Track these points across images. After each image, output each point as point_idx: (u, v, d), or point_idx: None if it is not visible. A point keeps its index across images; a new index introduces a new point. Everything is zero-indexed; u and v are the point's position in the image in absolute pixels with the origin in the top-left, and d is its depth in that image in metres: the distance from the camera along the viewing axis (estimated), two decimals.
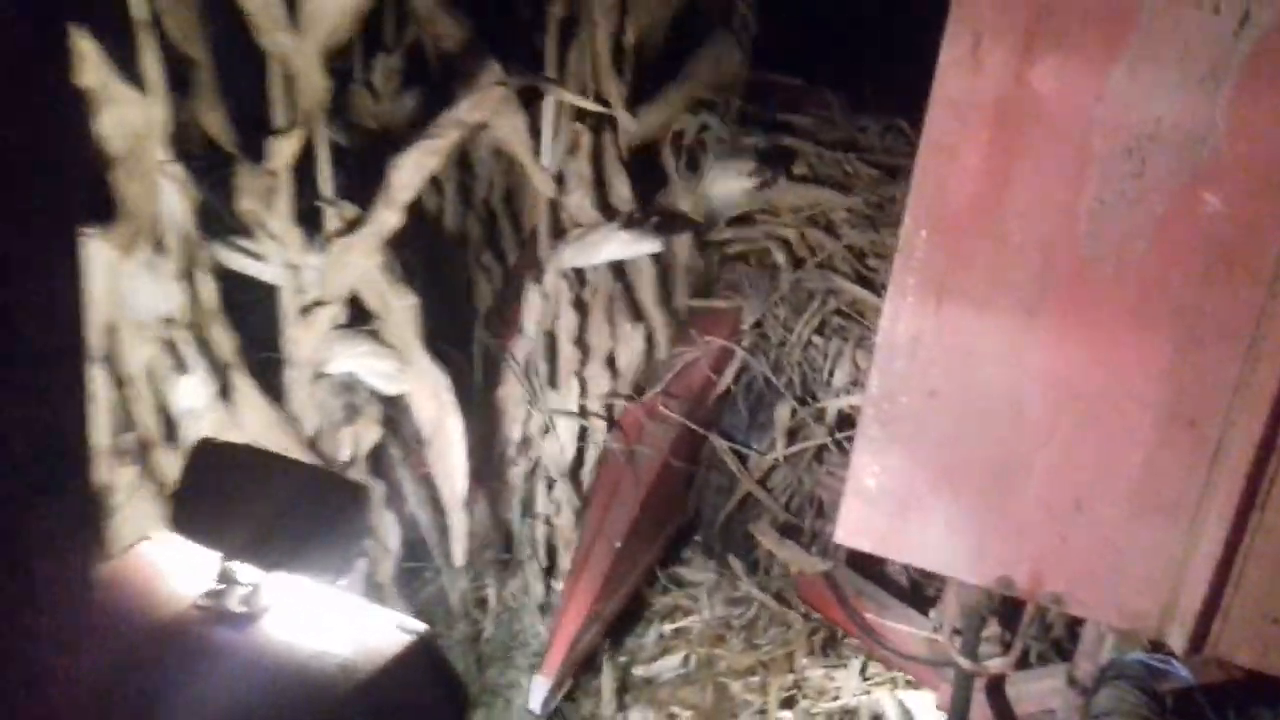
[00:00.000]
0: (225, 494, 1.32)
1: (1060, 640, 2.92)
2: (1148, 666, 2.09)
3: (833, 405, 3.48)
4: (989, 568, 2.03)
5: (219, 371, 2.31)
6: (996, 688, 2.62)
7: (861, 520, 2.13)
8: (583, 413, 3.45)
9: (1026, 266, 1.93)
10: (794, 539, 3.49)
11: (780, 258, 3.77)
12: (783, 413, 3.51)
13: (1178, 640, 1.93)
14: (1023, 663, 2.74)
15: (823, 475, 3.46)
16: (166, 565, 1.34)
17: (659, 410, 3.53)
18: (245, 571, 1.28)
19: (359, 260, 2.43)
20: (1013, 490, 1.99)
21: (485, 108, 2.55)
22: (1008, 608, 2.37)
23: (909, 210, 1.99)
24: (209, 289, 2.26)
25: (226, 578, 1.28)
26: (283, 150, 2.27)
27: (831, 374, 3.57)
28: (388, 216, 2.43)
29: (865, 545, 2.15)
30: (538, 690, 2.95)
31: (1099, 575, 1.97)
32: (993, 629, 2.54)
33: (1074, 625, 2.71)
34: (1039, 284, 1.92)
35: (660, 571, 3.67)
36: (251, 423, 2.34)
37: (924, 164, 1.97)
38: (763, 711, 3.16)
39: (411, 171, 2.43)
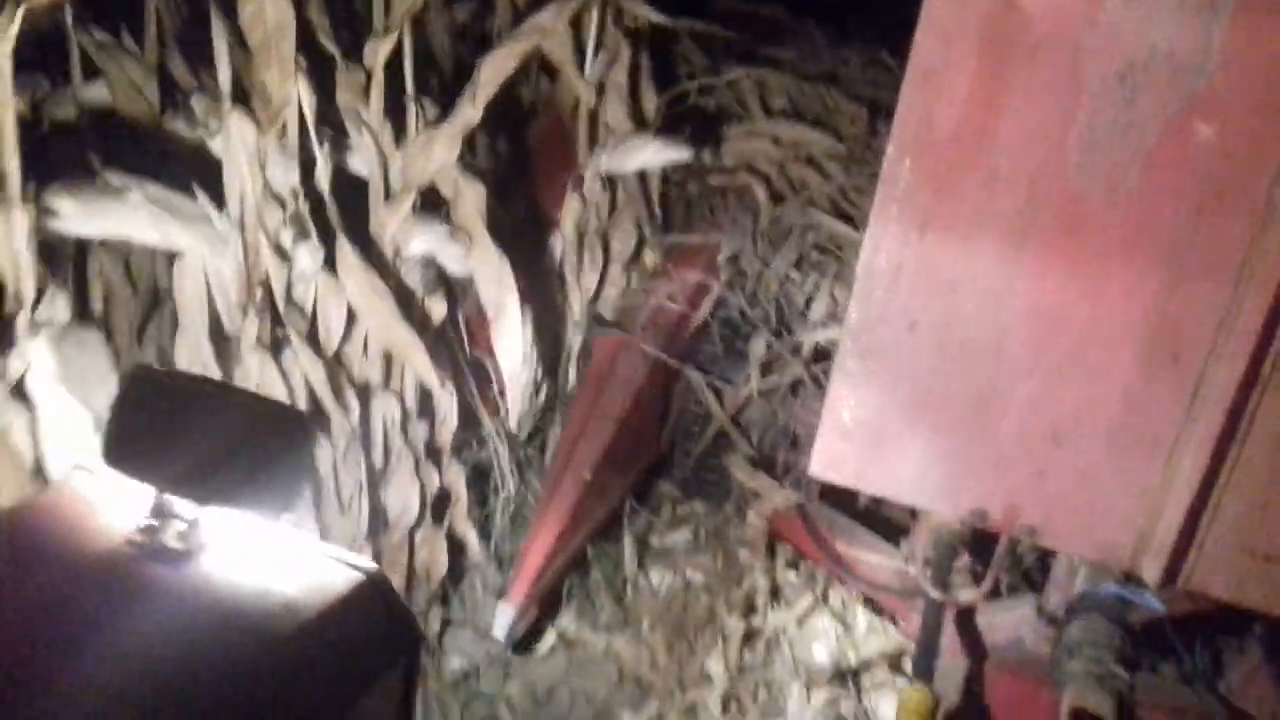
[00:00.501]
0: (161, 424, 1.23)
1: (1030, 571, 2.95)
2: (1120, 598, 2.11)
3: (809, 339, 3.46)
4: (964, 500, 2.03)
5: (328, 240, 2.53)
6: (966, 618, 2.64)
7: (836, 453, 2.11)
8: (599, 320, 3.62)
9: (1013, 197, 1.89)
10: (768, 473, 3.49)
11: (760, 193, 3.72)
12: (757, 346, 3.49)
13: (1151, 572, 1.94)
14: (993, 594, 2.77)
15: (797, 409, 3.45)
16: (98, 499, 1.26)
17: (634, 343, 3.49)
18: (182, 506, 1.21)
19: (440, 152, 2.70)
20: (991, 423, 1.98)
21: (563, 17, 2.88)
22: (978, 540, 2.38)
23: (893, 138, 1.94)
24: (323, 167, 2.51)
25: (162, 512, 1.21)
26: (378, 51, 2.55)
27: (808, 308, 3.55)
28: (469, 113, 2.70)
29: (839, 479, 2.14)
30: (502, 617, 2.94)
31: (1075, 508, 1.97)
32: (963, 560, 2.56)
33: (1044, 557, 2.73)
34: (1025, 215, 1.89)
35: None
36: (353, 287, 2.57)
37: (909, 91, 1.92)
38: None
39: (494, 71, 2.71)
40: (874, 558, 3.11)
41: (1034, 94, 1.85)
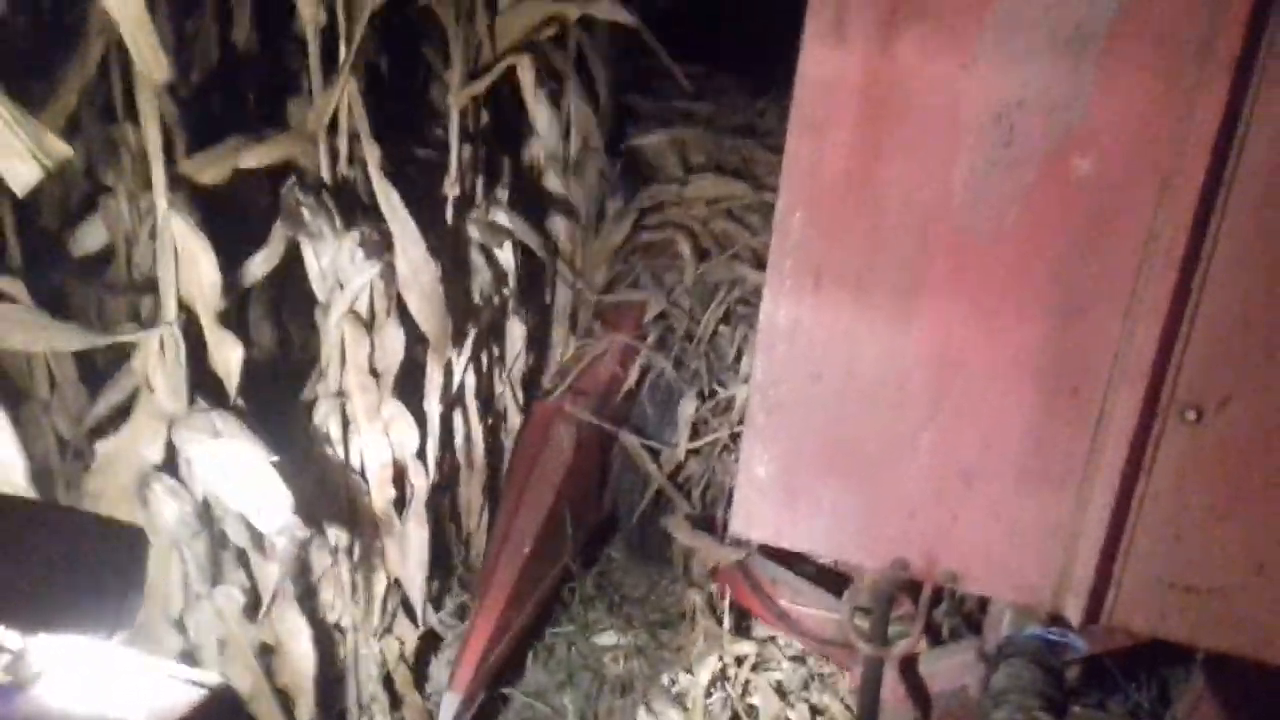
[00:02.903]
0: None
1: (972, 614, 2.91)
2: (1045, 641, 2.08)
3: (740, 392, 3.43)
4: (882, 550, 2.00)
5: None
6: (909, 666, 2.59)
7: (755, 510, 2.08)
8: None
9: (903, 242, 1.89)
10: (709, 530, 3.44)
11: (685, 249, 3.72)
12: (687, 407, 3.46)
13: (1073, 612, 1.91)
14: (936, 639, 2.72)
15: (732, 464, 3.42)
16: None
17: (566, 409, 3.45)
18: (7, 637, 1.14)
19: None
20: (900, 470, 1.95)
21: None
22: (920, 586, 2.34)
23: (782, 192, 1.94)
24: None
25: None
26: None
27: (738, 362, 3.53)
28: None
29: (760, 536, 2.10)
30: (448, 707, 2.85)
31: (991, 550, 1.94)
32: (906, 608, 2.51)
33: (986, 599, 2.70)
34: (916, 259, 1.88)
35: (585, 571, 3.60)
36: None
37: (794, 144, 1.92)
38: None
39: None
40: (818, 611, 3.06)
41: (915, 138, 1.86)
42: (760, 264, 3.62)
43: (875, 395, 1.93)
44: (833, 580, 3.26)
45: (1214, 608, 1.85)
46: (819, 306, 1.93)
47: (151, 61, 1.91)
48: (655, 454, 3.53)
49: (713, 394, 3.53)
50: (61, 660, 1.14)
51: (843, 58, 1.86)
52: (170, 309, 2.22)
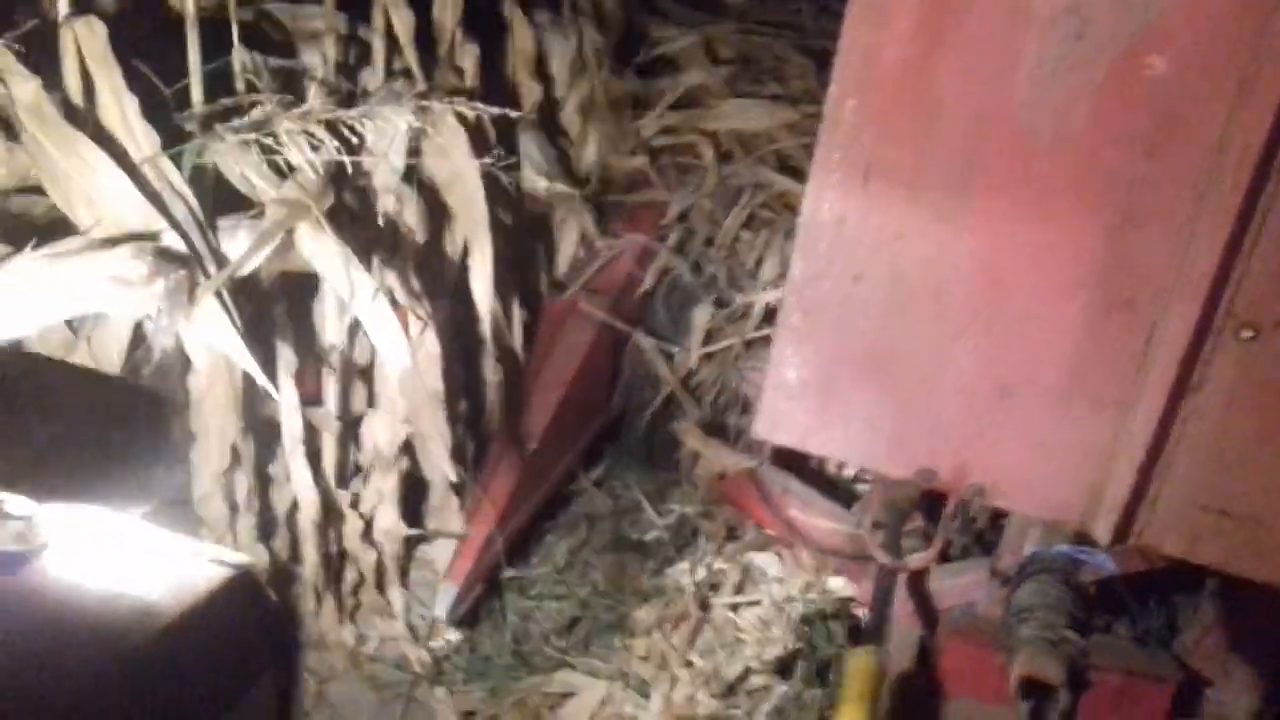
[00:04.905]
0: None
1: (984, 533, 2.89)
2: (1071, 559, 2.04)
3: (759, 299, 3.36)
4: (911, 460, 1.94)
5: None
6: (919, 582, 2.58)
7: (782, 414, 2.01)
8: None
9: (959, 139, 1.79)
10: (719, 437, 3.41)
11: (709, 154, 3.61)
12: (701, 313, 3.39)
13: (1103, 531, 1.86)
14: (946, 557, 2.70)
15: (748, 371, 3.36)
16: None
17: (580, 307, 3.38)
18: (16, 503, 1.07)
19: None
20: (937, 379, 1.88)
21: None
22: (932, 502, 2.31)
23: (835, 79, 1.83)
24: None
25: None
26: None
27: (759, 268, 3.45)
28: None
29: (786, 440, 2.05)
30: (444, 597, 2.85)
31: (1024, 466, 1.89)
32: (916, 523, 2.49)
33: (997, 518, 2.67)
34: (971, 158, 1.79)
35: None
36: None
37: (851, 27, 1.80)
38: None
39: None
40: (827, 523, 3.05)
41: (981, 27, 1.75)
42: (785, 168, 3.52)
43: (919, 301, 1.86)
44: (838, 491, 3.24)
45: (1249, 534, 1.81)
46: (867, 204, 1.84)
47: None
48: (669, 357, 3.47)
49: (729, 301, 3.45)
50: (80, 531, 1.08)
51: None
52: None
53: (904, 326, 1.90)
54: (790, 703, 2.80)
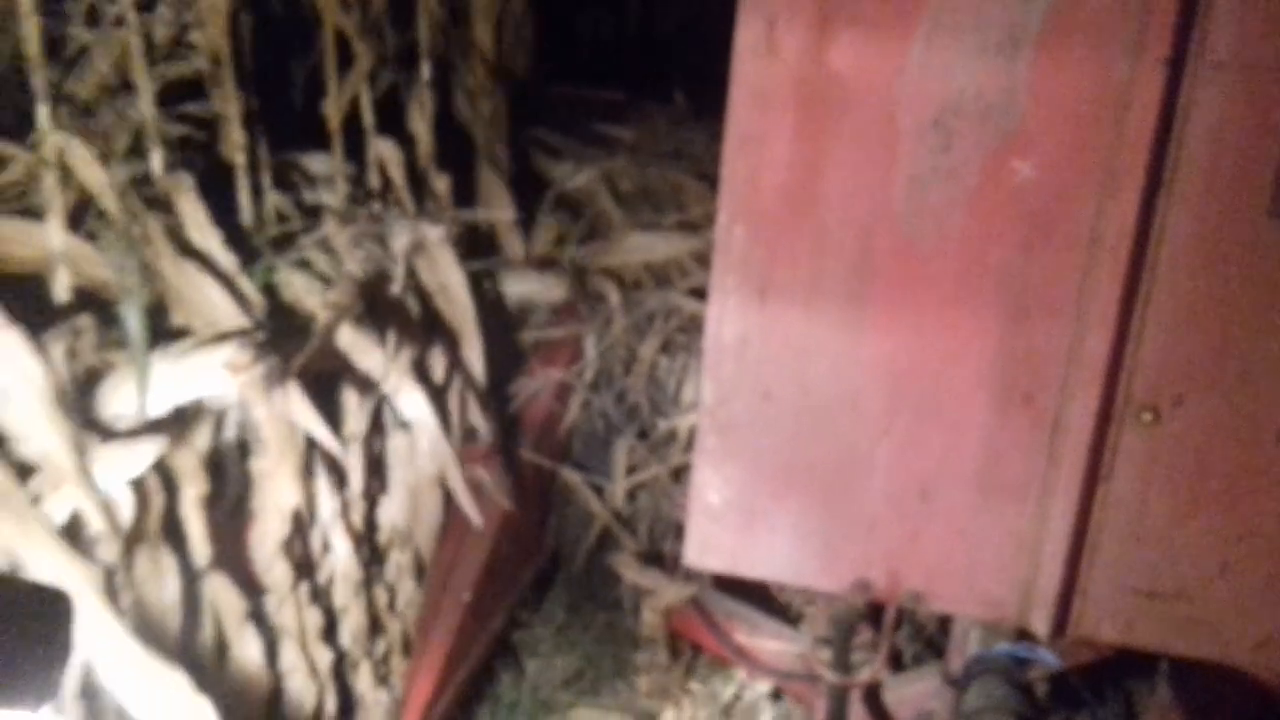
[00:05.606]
0: None
1: (933, 639, 2.85)
2: (1013, 657, 2.02)
3: (683, 423, 3.35)
4: (843, 572, 1.92)
5: None
6: (874, 695, 2.52)
7: (709, 538, 1.99)
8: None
9: (847, 252, 1.84)
10: (658, 566, 3.34)
11: (614, 295, 3.64)
12: (621, 446, 3.37)
13: (1040, 625, 1.86)
14: (898, 666, 2.65)
15: (679, 497, 3.33)
16: None
17: (493, 454, 3.34)
18: None
19: None
20: (858, 488, 1.89)
21: None
22: (878, 611, 2.28)
23: (721, 206, 1.88)
24: None
25: None
26: None
27: (679, 391, 3.46)
28: None
29: (716, 565, 2.02)
30: None
31: (955, 566, 1.88)
32: (866, 636, 2.44)
33: (946, 622, 2.64)
34: (861, 269, 1.84)
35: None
36: None
37: (731, 158, 1.87)
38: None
39: None
40: (775, 644, 2.98)
41: (854, 148, 1.82)
42: (693, 292, 3.58)
43: (828, 412, 1.87)
44: (787, 614, 3.18)
45: (1180, 612, 1.81)
46: (766, 322, 1.87)
47: None
48: (599, 491, 3.42)
49: (653, 428, 3.44)
50: None
51: (775, 69, 1.82)
52: None
53: (818, 438, 1.90)
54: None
